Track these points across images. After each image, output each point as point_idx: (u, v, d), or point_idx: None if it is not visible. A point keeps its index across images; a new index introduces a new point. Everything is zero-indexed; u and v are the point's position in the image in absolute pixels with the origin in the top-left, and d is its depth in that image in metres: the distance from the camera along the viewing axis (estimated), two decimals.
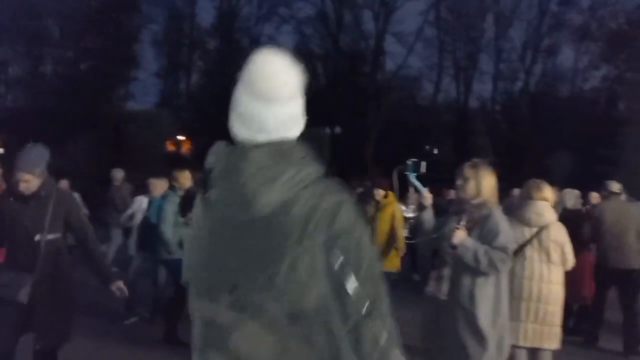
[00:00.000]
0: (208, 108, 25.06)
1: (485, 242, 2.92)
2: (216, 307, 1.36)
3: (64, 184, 7.73)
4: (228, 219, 1.37)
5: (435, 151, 26.67)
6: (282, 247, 1.30)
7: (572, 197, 5.92)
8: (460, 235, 2.90)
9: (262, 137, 1.35)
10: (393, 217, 5.57)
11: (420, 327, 3.20)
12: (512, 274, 3.86)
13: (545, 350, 3.96)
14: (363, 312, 1.31)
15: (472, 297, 2.88)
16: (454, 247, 2.92)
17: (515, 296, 3.85)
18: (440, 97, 34.87)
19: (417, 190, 3.13)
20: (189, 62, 30.79)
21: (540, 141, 26.38)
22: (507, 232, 3.02)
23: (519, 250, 3.87)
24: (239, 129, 1.37)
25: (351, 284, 1.31)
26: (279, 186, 1.29)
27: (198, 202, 1.48)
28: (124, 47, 24.67)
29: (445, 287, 2.96)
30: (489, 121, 30.56)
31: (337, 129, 25.14)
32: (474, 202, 3.05)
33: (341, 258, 1.31)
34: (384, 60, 32.44)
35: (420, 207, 3.12)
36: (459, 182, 3.08)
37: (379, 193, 5.58)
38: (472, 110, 32.77)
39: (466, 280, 2.91)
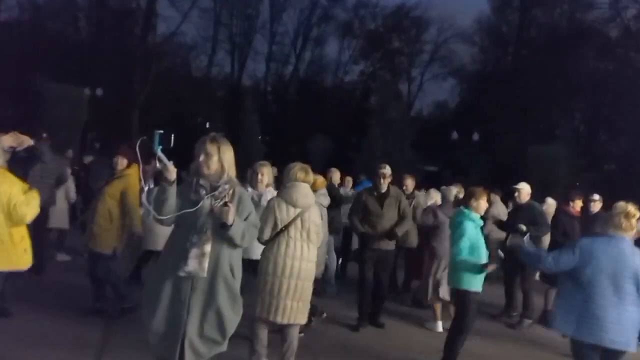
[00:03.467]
0: None
1: (241, 218, 2.99)
2: None
3: None
4: None
5: (207, 125, 26.37)
6: None
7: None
8: (232, 214, 2.86)
9: None
10: (127, 190, 5.02)
11: (154, 314, 2.93)
12: (275, 253, 4.02)
13: (295, 325, 4.12)
14: None
15: (232, 268, 2.99)
16: (227, 225, 2.86)
17: (277, 274, 3.97)
18: (214, 71, 34.60)
19: (161, 163, 2.82)
20: None
21: (304, 124, 28.19)
22: (254, 208, 3.17)
23: (284, 230, 4.02)
24: None
25: None
26: None
27: None
28: None
29: (206, 264, 2.89)
30: (260, 100, 31.39)
31: (99, 91, 22.83)
32: (224, 178, 2.98)
33: None
34: (155, 22, 30.51)
35: (165, 181, 2.86)
36: (201, 158, 2.97)
37: (122, 163, 5.00)
38: (244, 87, 33.27)
39: (226, 253, 2.98)
